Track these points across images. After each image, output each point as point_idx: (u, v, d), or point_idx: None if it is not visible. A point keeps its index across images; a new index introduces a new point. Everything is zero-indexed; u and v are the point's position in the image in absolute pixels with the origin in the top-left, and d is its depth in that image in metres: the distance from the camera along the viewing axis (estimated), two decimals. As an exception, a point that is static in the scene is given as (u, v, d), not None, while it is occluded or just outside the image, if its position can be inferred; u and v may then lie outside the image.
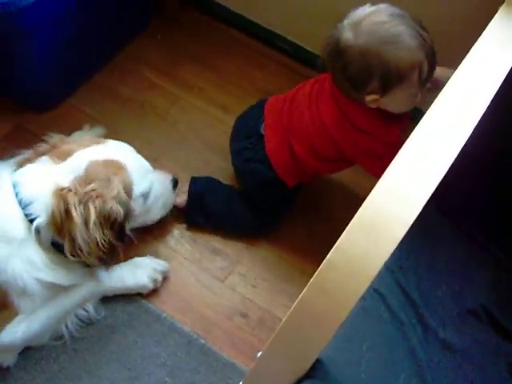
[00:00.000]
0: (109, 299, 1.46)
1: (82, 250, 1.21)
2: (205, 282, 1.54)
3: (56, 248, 1.25)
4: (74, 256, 1.23)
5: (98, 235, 1.21)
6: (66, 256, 1.24)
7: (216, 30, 2.03)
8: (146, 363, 1.40)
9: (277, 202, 1.56)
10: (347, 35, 1.19)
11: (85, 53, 1.75)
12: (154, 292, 1.49)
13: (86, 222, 1.20)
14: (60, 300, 1.34)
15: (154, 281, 1.47)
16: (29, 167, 1.28)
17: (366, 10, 1.21)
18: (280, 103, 1.47)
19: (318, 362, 0.87)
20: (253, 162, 1.51)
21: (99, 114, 1.79)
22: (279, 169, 1.47)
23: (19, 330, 1.28)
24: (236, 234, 1.61)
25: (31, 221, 1.21)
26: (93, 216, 1.20)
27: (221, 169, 1.71)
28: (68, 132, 1.67)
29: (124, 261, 1.46)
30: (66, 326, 1.39)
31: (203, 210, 1.59)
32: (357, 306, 0.77)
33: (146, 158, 1.43)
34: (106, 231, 1.23)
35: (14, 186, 1.24)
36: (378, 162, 1.30)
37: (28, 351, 1.37)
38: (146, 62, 1.93)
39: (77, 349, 1.40)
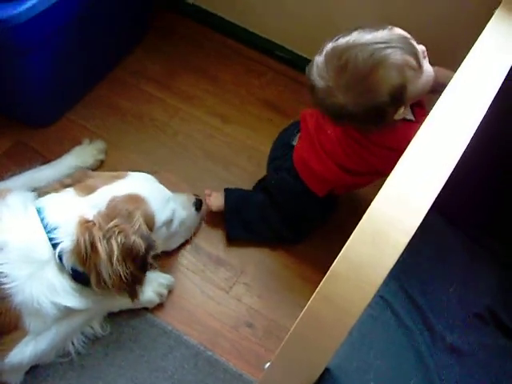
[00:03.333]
0: (114, 314, 1.45)
1: (106, 283, 1.24)
2: (209, 293, 1.53)
3: (75, 275, 1.26)
4: (99, 288, 1.26)
5: (121, 269, 1.24)
6: (83, 284, 1.27)
7: (213, 41, 2.03)
8: (153, 377, 1.40)
9: (308, 212, 1.56)
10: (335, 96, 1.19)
11: (82, 67, 1.76)
12: (159, 305, 1.49)
13: (109, 257, 1.22)
14: (68, 320, 1.34)
15: (160, 295, 1.48)
16: (53, 195, 1.32)
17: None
18: (309, 116, 1.47)
19: (326, 371, 0.87)
20: (281, 170, 1.52)
21: (98, 128, 1.79)
22: (306, 178, 1.47)
23: (27, 349, 1.28)
24: (273, 243, 1.62)
25: (54, 245, 1.23)
26: (116, 251, 1.22)
27: (221, 178, 1.71)
28: (68, 147, 1.69)
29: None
30: (73, 343, 1.39)
31: (242, 222, 1.60)
32: (364, 314, 0.76)
33: (147, 170, 1.44)
34: (128, 264, 1.25)
35: (39, 211, 1.27)
36: None
37: (35, 369, 1.37)
38: (143, 75, 1.93)
39: (83, 365, 1.40)
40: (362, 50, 1.13)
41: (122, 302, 1.43)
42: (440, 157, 0.82)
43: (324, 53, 1.19)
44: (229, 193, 1.62)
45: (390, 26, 1.17)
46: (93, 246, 1.22)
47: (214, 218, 1.64)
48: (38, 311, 1.24)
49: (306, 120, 1.47)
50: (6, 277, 1.20)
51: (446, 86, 0.93)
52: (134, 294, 1.33)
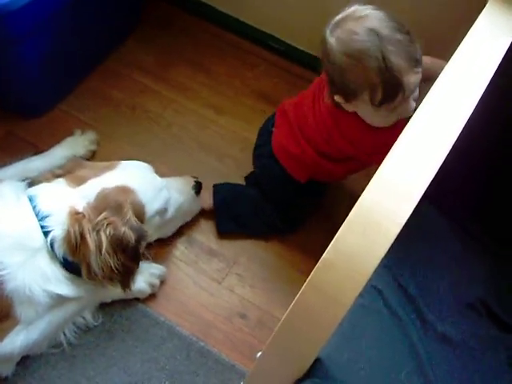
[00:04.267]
0: (106, 305, 1.45)
1: (96, 274, 1.25)
2: (202, 284, 1.53)
3: (66, 265, 1.26)
4: (89, 279, 1.26)
5: (111, 261, 1.24)
6: (74, 273, 1.27)
7: (206, 32, 2.02)
8: (145, 368, 1.40)
9: (295, 199, 1.56)
10: (327, 33, 1.20)
11: (75, 57, 1.74)
12: (151, 296, 1.49)
13: (99, 249, 1.23)
14: (60, 309, 1.33)
15: (152, 286, 1.48)
16: (45, 185, 1.32)
17: (349, 12, 1.19)
18: (288, 105, 1.48)
19: (317, 361, 0.87)
20: (263, 157, 1.54)
21: (91, 119, 1.78)
22: (285, 163, 1.48)
23: (18, 339, 1.27)
24: (266, 235, 1.62)
25: (46, 233, 1.24)
26: (105, 243, 1.23)
27: (215, 169, 1.71)
28: (60, 138, 1.68)
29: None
30: (64, 334, 1.38)
31: (232, 216, 1.60)
32: (355, 303, 0.76)
33: (140, 161, 1.43)
34: (119, 255, 1.25)
35: (31, 199, 1.27)
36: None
37: (26, 360, 1.37)
38: (137, 66, 1.92)
39: (75, 355, 1.40)
40: (374, 41, 1.13)
41: (114, 293, 1.42)
42: (431, 146, 0.82)
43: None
44: (217, 188, 1.62)
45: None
46: (82, 237, 1.22)
47: (209, 210, 1.63)
48: (30, 299, 1.24)
49: (284, 109, 1.48)
50: None
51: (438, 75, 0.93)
52: (126, 285, 1.33)
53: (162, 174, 1.46)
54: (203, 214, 1.63)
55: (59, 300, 1.29)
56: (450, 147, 0.81)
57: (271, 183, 1.55)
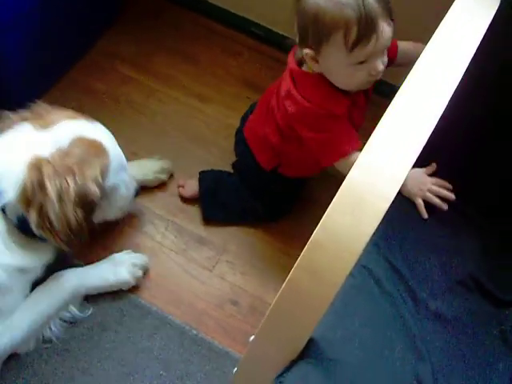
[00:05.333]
0: (97, 297, 1.45)
1: (51, 225, 1.17)
2: (193, 272, 1.53)
3: (21, 227, 1.20)
4: (41, 230, 1.18)
5: (71, 212, 1.17)
6: (30, 236, 1.21)
7: (188, 20, 2.01)
8: (139, 358, 1.40)
9: (268, 188, 1.56)
10: None
11: (55, 50, 1.72)
12: (142, 286, 1.49)
13: (60, 196, 1.15)
14: (40, 305, 1.33)
15: (135, 276, 1.46)
16: (5, 137, 1.23)
17: None
18: (268, 91, 1.48)
19: (311, 341, 0.87)
20: (240, 143, 1.55)
21: (74, 111, 1.76)
22: (253, 148, 1.49)
23: (2, 340, 1.27)
24: (251, 224, 1.62)
25: None
26: (71, 191, 1.16)
27: (201, 157, 1.71)
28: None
29: (104, 257, 1.47)
30: (50, 329, 1.37)
31: (217, 203, 1.60)
32: (346, 284, 0.76)
33: (125, 152, 1.40)
34: (78, 210, 1.19)
35: None
36: (323, 139, 1.29)
37: (19, 355, 1.36)
38: (119, 56, 1.91)
39: (68, 349, 1.39)
40: None
41: (95, 283, 1.42)
42: (416, 123, 0.81)
43: None
44: (203, 175, 1.62)
45: None
46: (41, 184, 1.14)
47: (194, 198, 1.63)
48: None
49: (264, 94, 1.49)
50: None
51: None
52: (72, 245, 1.24)
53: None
54: (192, 202, 1.63)
55: (20, 275, 1.24)
56: (435, 124, 0.81)
57: (247, 170, 1.55)
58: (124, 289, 1.46)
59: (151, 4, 2.03)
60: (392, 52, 1.35)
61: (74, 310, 1.40)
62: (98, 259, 1.47)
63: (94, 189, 1.21)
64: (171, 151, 1.72)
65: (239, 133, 1.57)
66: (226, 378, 1.37)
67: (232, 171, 1.64)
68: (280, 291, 0.78)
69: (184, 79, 1.88)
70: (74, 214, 1.17)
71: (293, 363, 0.85)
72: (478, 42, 0.90)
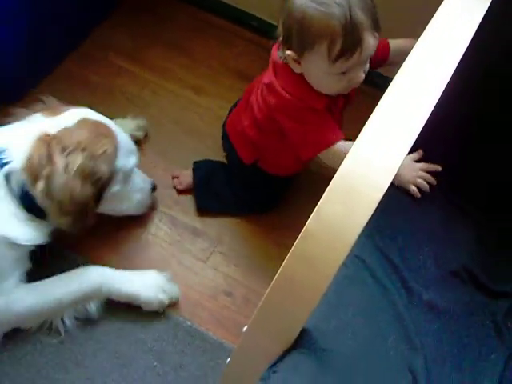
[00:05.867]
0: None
1: (53, 196, 1.18)
2: (187, 263, 1.53)
3: (21, 198, 1.21)
4: (45, 198, 1.19)
5: (76, 185, 1.18)
6: (28, 211, 1.21)
7: (183, 12, 2.00)
8: (133, 350, 1.40)
9: (255, 183, 1.56)
10: None
11: (48, 40, 1.71)
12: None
13: (67, 169, 1.17)
14: (59, 287, 1.33)
15: (160, 302, 1.42)
16: (16, 124, 1.28)
17: None
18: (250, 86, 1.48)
19: (304, 331, 0.87)
20: (225, 136, 1.55)
21: (68, 103, 1.73)
22: (234, 143, 1.49)
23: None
24: (245, 215, 1.62)
25: (2, 166, 1.19)
26: (78, 165, 1.17)
27: (195, 149, 1.70)
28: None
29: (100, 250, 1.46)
30: (62, 321, 1.36)
31: (211, 193, 1.60)
32: (340, 274, 0.77)
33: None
34: (86, 186, 1.20)
35: None
36: (302, 130, 1.28)
37: (13, 347, 1.36)
38: (113, 48, 1.90)
39: (62, 340, 1.39)
40: None
41: (121, 287, 1.39)
42: (409, 115, 0.81)
43: None
44: (197, 165, 1.62)
45: None
46: (49, 157, 1.17)
47: (189, 190, 1.63)
48: None
49: (247, 88, 1.48)
50: None
51: None
52: (75, 225, 1.25)
53: (141, 155, 1.45)
54: (186, 194, 1.63)
55: (9, 246, 1.23)
56: (428, 115, 0.81)
57: (232, 163, 1.56)
58: (144, 309, 1.42)
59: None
60: (383, 52, 1.35)
61: (91, 307, 1.37)
62: (95, 251, 1.46)
63: (103, 166, 1.23)
64: (166, 143, 1.72)
65: (223, 126, 1.57)
66: (220, 369, 1.36)
67: (226, 162, 1.64)
68: (273, 282, 0.78)
69: (179, 71, 1.88)
70: (80, 188, 1.18)
71: (285, 353, 0.85)
72: (471, 36, 0.90)
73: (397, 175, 1.15)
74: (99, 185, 1.24)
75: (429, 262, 1.14)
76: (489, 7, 0.94)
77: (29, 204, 1.21)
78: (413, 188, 1.21)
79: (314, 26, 1.12)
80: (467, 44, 0.89)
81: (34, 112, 1.30)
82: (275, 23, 1.82)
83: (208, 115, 1.79)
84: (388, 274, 1.10)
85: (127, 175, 1.38)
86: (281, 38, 1.22)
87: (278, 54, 1.28)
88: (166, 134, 1.74)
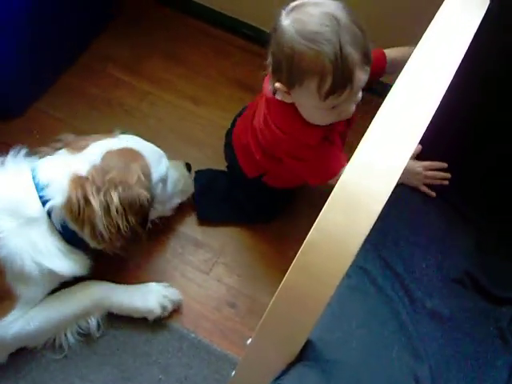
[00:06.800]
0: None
1: (102, 236, 1.24)
2: (189, 275, 1.53)
3: (64, 233, 1.26)
4: (94, 240, 1.26)
5: (120, 221, 1.23)
6: (69, 244, 1.27)
7: (180, 23, 2.00)
8: (137, 363, 1.39)
9: (258, 194, 1.56)
10: (282, 15, 1.12)
11: (48, 54, 1.72)
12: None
13: (106, 210, 1.22)
14: (60, 305, 1.34)
15: (163, 307, 1.42)
16: (46, 158, 1.32)
17: None
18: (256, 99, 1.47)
19: (308, 343, 0.87)
20: (228, 146, 1.54)
21: (68, 116, 1.76)
22: (238, 154, 1.49)
23: (14, 326, 1.27)
24: (247, 226, 1.61)
25: (45, 203, 1.23)
26: (116, 202, 1.22)
27: (195, 160, 1.69)
28: (36, 137, 1.68)
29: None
30: (65, 336, 1.37)
31: (212, 203, 1.60)
32: (342, 284, 0.76)
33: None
34: (130, 217, 1.25)
35: (33, 171, 1.27)
36: (304, 165, 1.29)
37: (18, 362, 1.36)
38: (111, 60, 1.90)
39: (67, 355, 1.38)
40: (333, 27, 1.06)
41: (121, 300, 1.40)
42: (409, 123, 0.81)
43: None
44: (198, 174, 1.62)
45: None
46: (86, 200, 1.21)
47: (190, 201, 1.62)
48: (21, 270, 1.23)
49: (253, 101, 1.47)
50: None
51: None
52: (127, 252, 1.32)
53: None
54: (188, 205, 1.62)
55: (54, 278, 1.29)
56: (427, 123, 0.81)
57: (234, 173, 1.55)
58: (149, 318, 1.42)
59: (143, 7, 2.03)
60: (380, 64, 1.33)
61: (93, 322, 1.38)
62: (94, 266, 1.46)
63: (142, 191, 1.26)
64: (166, 154, 1.71)
65: (229, 135, 1.56)
66: (225, 382, 1.36)
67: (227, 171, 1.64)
68: (276, 293, 0.78)
69: (177, 82, 1.88)
70: (124, 222, 1.23)
71: (290, 365, 0.85)
72: (470, 40, 0.90)
73: (403, 182, 1.16)
74: (143, 209, 1.29)
75: (431, 269, 1.14)
76: (486, 12, 0.94)
77: (70, 237, 1.27)
78: (423, 188, 1.22)
79: (304, 62, 1.08)
80: (465, 48, 0.89)
81: (56, 149, 1.34)
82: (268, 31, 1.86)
83: (207, 125, 1.79)
84: (391, 283, 1.10)
85: (164, 179, 1.41)
86: (270, 69, 1.19)
87: (268, 86, 1.26)
88: (166, 145, 1.71)
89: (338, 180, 1.18)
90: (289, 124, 1.24)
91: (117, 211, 1.22)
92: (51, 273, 1.27)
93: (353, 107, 1.18)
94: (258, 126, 1.34)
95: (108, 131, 1.42)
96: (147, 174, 1.31)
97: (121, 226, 1.23)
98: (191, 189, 1.59)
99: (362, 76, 1.10)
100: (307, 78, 1.10)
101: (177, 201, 1.55)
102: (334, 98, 1.12)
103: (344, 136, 1.36)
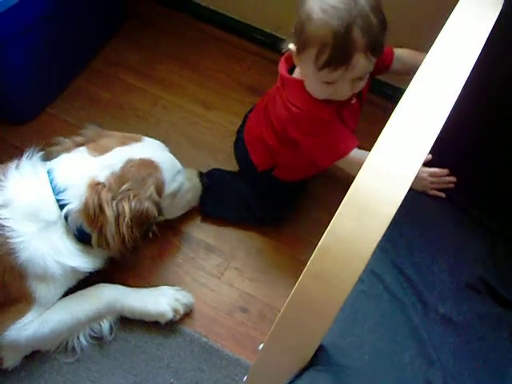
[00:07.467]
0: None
1: (107, 243, 1.26)
2: (201, 280, 1.53)
3: (80, 236, 1.28)
4: (97, 246, 1.29)
5: (126, 233, 1.25)
6: (88, 244, 1.29)
7: (191, 28, 2.02)
8: (150, 367, 1.40)
9: (265, 187, 1.57)
10: None
11: (60, 60, 1.74)
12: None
13: (117, 220, 1.24)
14: (73, 307, 1.34)
15: (175, 311, 1.42)
16: (65, 156, 1.33)
17: None
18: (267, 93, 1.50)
19: (320, 348, 0.87)
20: (239, 142, 1.56)
21: (80, 121, 1.76)
22: (249, 148, 1.51)
23: (29, 328, 1.28)
24: (258, 230, 1.62)
25: (62, 207, 1.25)
26: (127, 215, 1.24)
27: (206, 164, 1.71)
28: (48, 141, 1.66)
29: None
30: (78, 338, 1.37)
31: (218, 200, 1.61)
32: (355, 289, 0.76)
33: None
34: (135, 230, 1.27)
35: (49, 173, 1.28)
36: (316, 143, 1.31)
37: (31, 365, 1.37)
38: (123, 65, 1.92)
39: (79, 359, 1.39)
40: (348, 4, 1.12)
41: (133, 304, 1.41)
42: (422, 128, 0.81)
43: None
44: (209, 173, 1.63)
45: None
46: (101, 208, 1.24)
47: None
48: (45, 271, 1.25)
49: (265, 95, 1.51)
50: (12, 231, 1.21)
51: None
52: (124, 258, 1.34)
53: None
54: (198, 209, 1.63)
55: (74, 275, 1.32)
56: (442, 126, 0.81)
57: (245, 169, 1.58)
58: (161, 322, 1.42)
59: (154, 12, 2.04)
60: (387, 59, 1.36)
61: (105, 325, 1.39)
62: (107, 269, 1.47)
63: (150, 207, 1.29)
64: (177, 158, 1.71)
65: (240, 132, 1.59)
66: (237, 386, 1.37)
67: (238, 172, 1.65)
68: (289, 298, 0.78)
69: (188, 86, 1.89)
70: (130, 234, 1.26)
71: (302, 370, 0.85)
72: (483, 43, 0.90)
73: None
74: (148, 224, 1.31)
75: (444, 275, 1.14)
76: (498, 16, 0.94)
77: (86, 239, 1.29)
78: (432, 192, 1.25)
79: (310, 29, 1.15)
80: (478, 53, 0.88)
81: (77, 145, 1.35)
82: (283, 37, 1.86)
83: (218, 129, 1.80)
84: (403, 288, 1.09)
85: (175, 194, 1.43)
86: (293, 29, 1.24)
87: (283, 45, 1.30)
88: (177, 149, 1.72)
89: (347, 163, 1.27)
90: (303, 100, 1.27)
91: (127, 223, 1.25)
92: (73, 270, 1.30)
93: (347, 91, 1.22)
94: (273, 111, 1.39)
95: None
96: (160, 190, 1.34)
97: (126, 237, 1.26)
98: (197, 199, 1.59)
99: (362, 61, 1.15)
100: (309, 45, 1.16)
101: (182, 210, 1.56)
102: (328, 72, 1.17)
103: (358, 115, 1.40)
